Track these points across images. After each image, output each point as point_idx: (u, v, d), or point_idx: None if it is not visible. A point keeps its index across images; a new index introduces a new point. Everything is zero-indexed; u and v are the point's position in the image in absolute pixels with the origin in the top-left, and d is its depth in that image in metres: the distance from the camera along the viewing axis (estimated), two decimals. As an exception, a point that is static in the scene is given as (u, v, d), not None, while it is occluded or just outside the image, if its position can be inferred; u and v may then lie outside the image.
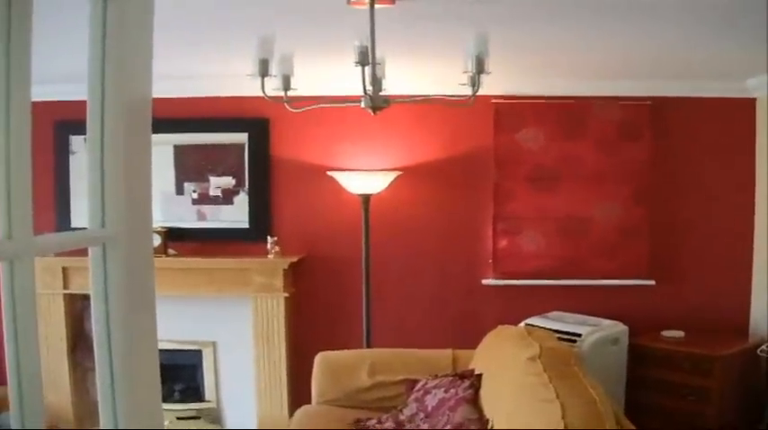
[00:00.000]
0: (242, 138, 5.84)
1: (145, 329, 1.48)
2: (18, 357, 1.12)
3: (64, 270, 5.65)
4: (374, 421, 4.32)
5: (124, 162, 1.37)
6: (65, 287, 5.68)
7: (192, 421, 5.94)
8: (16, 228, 1.09)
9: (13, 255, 1.10)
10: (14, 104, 1.08)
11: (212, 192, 5.91)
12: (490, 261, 5.80)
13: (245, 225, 5.89)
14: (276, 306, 5.64)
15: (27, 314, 1.12)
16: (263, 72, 3.46)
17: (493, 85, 4.21)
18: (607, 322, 5.33)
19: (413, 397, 4.37)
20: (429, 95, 3.93)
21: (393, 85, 3.83)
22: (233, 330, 5.88)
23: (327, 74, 4.81)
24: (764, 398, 5.16)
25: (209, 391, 6.06)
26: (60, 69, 4.16)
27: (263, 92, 3.53)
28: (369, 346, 5.47)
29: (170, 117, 5.32)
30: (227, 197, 5.90)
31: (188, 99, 5.62)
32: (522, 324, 5.04)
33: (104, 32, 1.33)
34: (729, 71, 5.20)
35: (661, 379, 5.21)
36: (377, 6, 3.31)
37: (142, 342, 1.46)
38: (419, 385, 4.44)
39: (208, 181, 5.90)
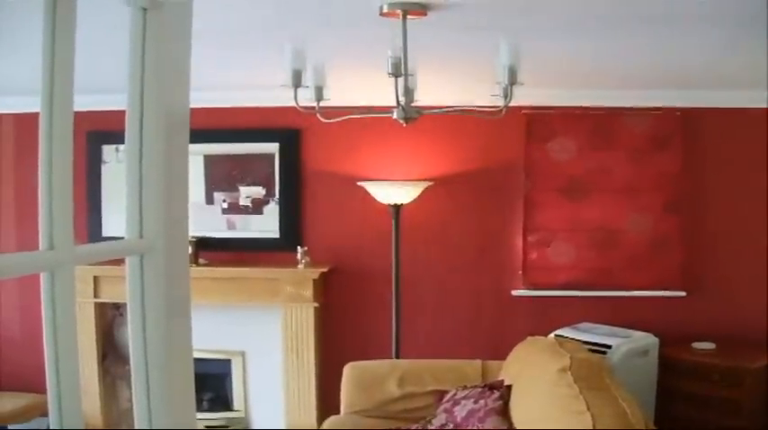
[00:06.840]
0: (272, 148, 5.87)
1: (181, 339, 1.49)
2: (58, 366, 1.12)
3: (95, 279, 5.69)
4: (403, 432, 4.32)
5: (162, 173, 1.38)
6: (95, 296, 5.72)
7: (220, 430, 5.96)
8: (58, 239, 1.10)
9: (54, 265, 1.10)
10: (57, 115, 1.09)
11: (242, 202, 5.94)
12: (520, 272, 5.78)
13: (275, 235, 5.91)
14: (306, 316, 5.66)
15: (67, 323, 1.13)
16: (296, 83, 3.48)
17: (524, 96, 4.21)
18: (637, 334, 5.29)
19: (442, 408, 4.36)
20: (460, 106, 3.93)
21: (424, 96, 3.84)
22: (262, 340, 5.90)
23: (359, 84, 4.82)
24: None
25: (237, 401, 6.08)
26: (92, 80, 4.19)
27: (296, 102, 3.55)
28: (398, 357, 5.46)
29: (200, 127, 5.31)
30: (257, 207, 5.92)
31: (218, 109, 5.64)
32: (551, 335, 5.02)
33: (144, 44, 1.34)
34: (760, 81, 5.16)
35: (691, 391, 5.16)
36: (409, 17, 3.33)
37: (178, 351, 1.47)
38: (448, 396, 4.42)
39: (238, 191, 5.93)
